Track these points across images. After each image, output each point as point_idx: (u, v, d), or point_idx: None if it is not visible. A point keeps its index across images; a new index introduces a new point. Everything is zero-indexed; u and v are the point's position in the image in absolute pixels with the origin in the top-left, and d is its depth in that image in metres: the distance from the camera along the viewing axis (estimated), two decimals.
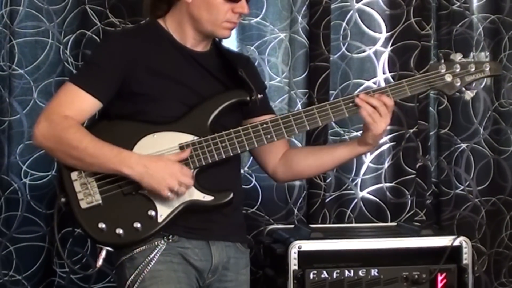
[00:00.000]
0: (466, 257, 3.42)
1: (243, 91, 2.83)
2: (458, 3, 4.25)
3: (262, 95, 2.91)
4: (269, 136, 2.78)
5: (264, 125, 2.78)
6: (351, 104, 2.82)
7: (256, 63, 3.99)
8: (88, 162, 2.66)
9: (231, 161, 2.82)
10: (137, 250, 2.72)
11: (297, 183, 4.10)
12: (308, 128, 2.84)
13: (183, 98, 2.77)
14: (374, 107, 2.79)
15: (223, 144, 2.74)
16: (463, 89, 2.91)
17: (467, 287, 3.40)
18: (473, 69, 2.87)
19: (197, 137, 2.74)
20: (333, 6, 4.13)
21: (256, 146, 2.79)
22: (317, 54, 4.07)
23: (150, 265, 2.71)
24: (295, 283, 3.32)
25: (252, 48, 4.08)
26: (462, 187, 4.29)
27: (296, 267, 3.33)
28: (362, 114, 2.80)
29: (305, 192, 4.11)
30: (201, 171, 2.74)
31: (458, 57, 2.88)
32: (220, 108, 2.78)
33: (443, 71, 2.87)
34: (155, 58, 2.78)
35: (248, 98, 2.82)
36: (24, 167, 3.87)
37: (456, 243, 3.42)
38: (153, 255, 2.71)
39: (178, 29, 2.84)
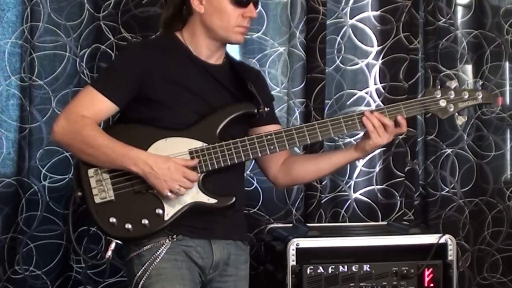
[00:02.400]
0: (451, 254, 3.43)
1: (251, 103, 2.83)
2: (444, 19, 4.26)
3: (268, 108, 2.91)
4: (272, 147, 2.78)
5: (269, 137, 2.78)
6: (350, 122, 2.81)
7: None
8: (100, 158, 2.68)
9: (236, 167, 2.82)
10: (145, 248, 2.73)
11: None
12: (309, 142, 2.83)
13: (195, 107, 2.77)
14: (384, 124, 2.80)
15: (230, 152, 2.74)
16: (456, 114, 2.89)
17: (452, 281, 3.41)
18: (466, 96, 2.86)
19: (206, 144, 2.74)
20: (328, 22, 4.13)
21: (260, 155, 2.80)
22: (313, 66, 4.07)
23: (156, 263, 2.71)
24: (293, 277, 3.32)
25: (254, 61, 4.08)
26: (448, 189, 4.29)
27: (294, 263, 3.34)
28: (367, 125, 2.79)
29: (302, 193, 4.11)
30: (207, 175, 2.74)
31: (453, 84, 2.87)
32: (229, 119, 2.78)
33: (438, 96, 2.86)
34: (171, 68, 2.78)
35: (255, 111, 2.82)
36: (43, 171, 3.86)
37: (442, 240, 3.43)
38: (158, 252, 2.72)
39: (193, 40, 2.84)
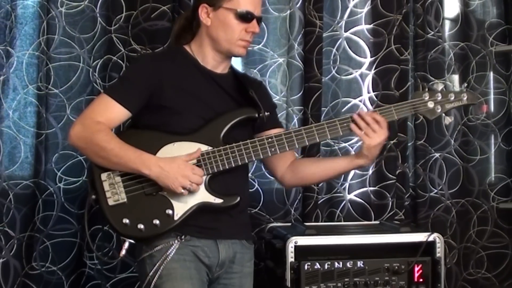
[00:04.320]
0: (439, 251, 3.42)
1: (252, 108, 2.84)
2: (432, 32, 4.27)
3: (269, 113, 2.91)
4: (273, 149, 2.79)
5: (269, 139, 2.80)
6: (345, 124, 2.83)
7: None
8: (113, 162, 2.69)
9: (240, 169, 2.83)
10: (156, 248, 2.74)
11: None
12: (307, 144, 2.84)
13: (201, 112, 2.79)
14: (367, 123, 2.80)
15: (233, 155, 2.75)
16: (443, 114, 2.92)
17: (440, 277, 3.40)
18: (452, 98, 2.88)
19: (211, 147, 2.75)
20: (325, 34, 4.13)
21: (262, 157, 2.81)
22: (311, 76, 4.08)
23: (166, 263, 2.72)
24: (292, 273, 3.32)
25: (255, 71, 4.09)
26: (436, 190, 4.30)
27: (292, 260, 3.34)
28: (353, 129, 2.81)
29: (300, 194, 4.11)
30: (213, 177, 2.75)
31: (440, 86, 2.88)
32: (231, 123, 2.80)
33: (426, 98, 2.87)
34: (180, 76, 2.80)
35: (256, 115, 2.84)
36: (59, 174, 3.87)
37: (431, 239, 3.43)
38: (168, 252, 2.72)
39: (200, 51, 2.87)
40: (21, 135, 3.85)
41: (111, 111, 2.74)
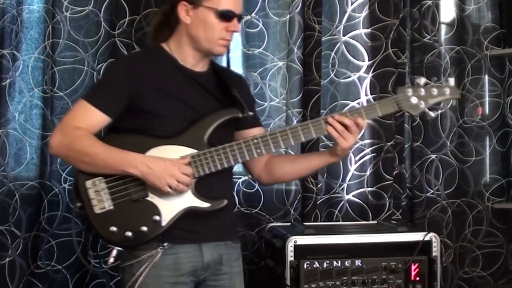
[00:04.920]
0: (435, 250, 3.44)
1: (236, 109, 2.75)
2: (429, 36, 4.28)
3: (253, 113, 2.85)
4: (259, 150, 2.71)
5: (255, 141, 2.71)
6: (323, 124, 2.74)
7: (258, 87, 4.07)
8: (99, 166, 2.59)
9: (225, 171, 2.73)
10: (138, 258, 2.65)
11: (293, 187, 4.11)
12: (293, 143, 2.75)
13: (184, 114, 2.70)
14: (345, 126, 2.71)
15: (219, 157, 2.67)
16: (426, 109, 2.81)
17: (436, 275, 3.42)
18: (435, 93, 2.80)
19: (196, 151, 2.66)
20: (323, 38, 4.13)
21: (248, 159, 2.73)
22: (310, 79, 4.08)
23: (143, 277, 2.63)
24: (292, 271, 3.33)
25: (255, 74, 4.08)
26: (432, 191, 4.31)
27: (292, 258, 3.34)
28: (331, 132, 2.72)
29: (300, 195, 4.11)
30: (199, 180, 2.66)
31: (422, 81, 2.80)
32: (216, 124, 2.71)
33: (409, 93, 2.79)
34: (160, 79, 2.70)
35: (240, 115, 2.75)
36: (63, 174, 3.85)
37: (427, 238, 3.44)
38: (144, 267, 2.64)
39: (179, 50, 2.77)
40: (26, 137, 3.85)
41: (91, 117, 2.64)
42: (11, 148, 3.83)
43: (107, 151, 2.60)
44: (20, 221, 3.81)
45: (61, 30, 3.88)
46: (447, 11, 4.38)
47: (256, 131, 2.86)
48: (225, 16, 2.72)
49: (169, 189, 2.60)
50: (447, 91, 2.83)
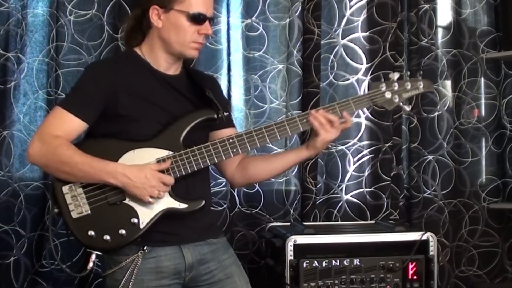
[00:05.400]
0: (432, 249, 3.44)
1: (210, 109, 2.72)
2: (426, 40, 4.28)
3: (227, 113, 2.81)
4: (235, 150, 2.67)
5: (231, 140, 2.67)
6: (304, 120, 2.70)
7: (258, 90, 4.07)
8: (78, 175, 2.56)
9: (201, 172, 2.70)
10: (119, 265, 2.63)
11: (293, 188, 4.11)
12: (269, 142, 2.73)
13: (158, 117, 2.67)
14: (329, 120, 2.68)
15: (195, 158, 2.64)
16: (401, 104, 2.78)
17: (433, 274, 3.41)
18: (409, 87, 2.77)
19: (172, 152, 2.63)
20: (322, 42, 4.14)
21: (224, 159, 2.69)
22: (309, 82, 4.08)
23: (123, 283, 2.62)
24: (291, 270, 3.34)
25: (256, 77, 4.09)
26: (429, 191, 4.31)
27: (292, 257, 3.35)
28: (314, 124, 2.69)
29: (299, 195, 4.11)
30: (176, 182, 2.62)
31: (396, 76, 2.77)
32: (190, 126, 2.68)
33: (383, 89, 2.75)
34: (134, 83, 2.66)
35: (215, 116, 2.72)
36: None
37: (424, 237, 3.44)
38: (128, 273, 2.62)
39: (152, 54, 2.73)
40: (31, 138, 3.84)
41: (68, 124, 2.60)
42: (16, 149, 3.84)
43: (87, 161, 2.56)
44: (24, 221, 3.82)
45: (65, 33, 3.89)
46: (444, 15, 4.38)
47: (229, 131, 2.83)
48: (197, 19, 2.68)
49: (150, 199, 2.58)
50: (421, 84, 2.81)
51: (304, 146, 2.82)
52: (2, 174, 3.80)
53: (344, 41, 4.21)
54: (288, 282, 3.34)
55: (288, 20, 4.14)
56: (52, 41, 3.87)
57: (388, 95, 2.77)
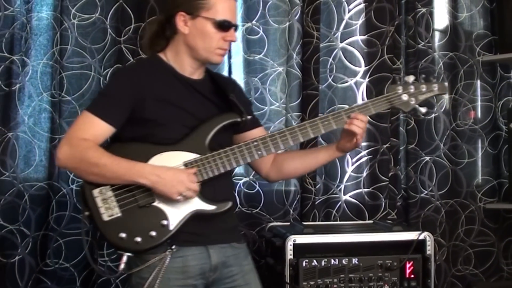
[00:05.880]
0: (429, 249, 3.44)
1: (234, 113, 2.75)
2: (423, 43, 4.29)
3: (250, 116, 2.83)
4: (259, 152, 2.71)
5: (255, 143, 2.71)
6: (326, 122, 2.76)
7: (259, 92, 4.08)
8: (108, 176, 2.57)
9: (226, 173, 2.71)
10: (146, 264, 2.63)
11: (292, 188, 4.11)
12: (292, 144, 2.76)
13: (184, 121, 2.69)
14: (362, 121, 2.75)
15: (221, 161, 2.66)
16: (417, 106, 2.83)
17: (430, 273, 3.42)
18: (424, 89, 2.82)
19: (198, 155, 2.66)
20: (321, 45, 4.15)
21: (249, 160, 2.72)
22: (308, 84, 4.09)
23: (150, 281, 2.62)
24: (291, 269, 3.34)
25: (256, 79, 4.09)
26: (426, 192, 4.31)
27: (291, 257, 3.35)
28: (353, 128, 2.74)
29: (299, 195, 4.12)
30: (203, 184, 2.64)
31: (411, 79, 2.83)
32: (216, 129, 2.70)
33: (400, 91, 2.81)
34: (160, 88, 2.68)
35: (239, 119, 2.75)
36: (71, 176, 3.86)
37: (421, 237, 3.45)
38: (156, 271, 2.62)
39: (177, 59, 2.75)
40: (36, 139, 3.87)
41: (96, 128, 2.61)
42: (21, 151, 3.85)
43: (116, 162, 2.58)
44: (29, 221, 3.82)
45: (69, 36, 3.89)
46: (441, 19, 4.39)
47: (257, 132, 2.88)
48: (223, 26, 2.71)
49: (179, 197, 2.59)
50: (435, 87, 2.85)
51: (334, 147, 2.89)
52: (7, 175, 3.80)
53: (343, 44, 4.22)
54: (288, 281, 3.34)
55: (288, 23, 4.15)
56: (56, 44, 3.87)
57: (405, 97, 2.83)
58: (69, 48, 3.90)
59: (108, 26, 3.94)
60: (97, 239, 3.66)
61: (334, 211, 4.20)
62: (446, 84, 2.91)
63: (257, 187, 4.09)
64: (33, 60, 3.87)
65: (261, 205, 4.10)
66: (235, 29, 2.77)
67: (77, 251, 3.87)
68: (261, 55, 4.13)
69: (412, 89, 2.83)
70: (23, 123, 3.85)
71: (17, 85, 3.83)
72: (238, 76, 4.05)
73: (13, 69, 3.82)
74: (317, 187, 4.13)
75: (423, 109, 2.86)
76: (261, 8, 4.10)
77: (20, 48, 3.84)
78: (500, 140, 4.45)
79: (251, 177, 4.04)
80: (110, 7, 3.94)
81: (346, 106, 4.10)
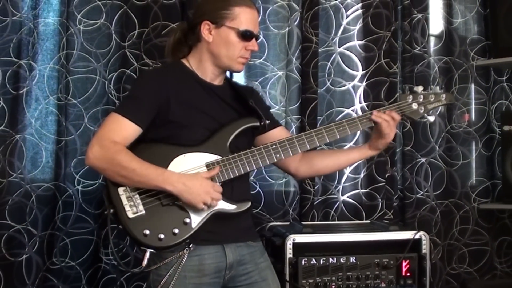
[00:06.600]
0: (425, 248, 3.44)
1: (254, 118, 2.81)
2: (419, 48, 4.30)
3: (269, 121, 2.88)
4: (278, 155, 2.75)
5: (274, 146, 2.76)
6: (341, 128, 2.83)
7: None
8: (135, 180, 2.60)
9: (244, 175, 2.77)
10: (164, 261, 2.66)
11: (292, 189, 4.13)
12: (308, 148, 2.80)
13: (206, 124, 2.74)
14: (393, 118, 2.84)
15: (242, 162, 2.71)
16: (425, 114, 2.92)
17: (425, 271, 3.42)
18: (432, 99, 2.90)
19: (220, 157, 2.70)
20: (320, 49, 4.17)
21: (268, 163, 2.77)
22: (307, 88, 4.11)
23: (167, 278, 2.65)
24: (290, 268, 3.34)
25: (256, 83, 4.10)
26: (422, 192, 4.32)
27: (291, 256, 3.36)
28: (382, 125, 2.83)
29: (298, 196, 4.13)
30: (223, 184, 2.69)
31: (420, 89, 2.90)
32: (236, 132, 2.75)
33: (410, 100, 2.89)
34: (183, 92, 2.73)
35: (258, 124, 2.81)
36: (77, 177, 3.88)
37: (417, 236, 3.45)
38: (173, 268, 2.66)
39: (200, 66, 2.80)
40: (42, 141, 3.87)
41: (125, 130, 2.65)
42: (28, 152, 3.85)
43: (144, 167, 2.60)
44: (36, 221, 3.82)
45: (75, 41, 3.90)
46: (436, 24, 4.40)
47: (277, 131, 2.96)
48: (246, 36, 2.77)
49: (203, 206, 2.62)
50: (443, 97, 2.92)
51: (367, 146, 2.97)
52: (14, 176, 3.80)
53: (341, 49, 4.23)
54: (288, 279, 3.34)
55: (287, 29, 4.16)
56: (62, 49, 3.88)
57: (414, 106, 2.91)
58: (75, 53, 3.91)
59: (112, 32, 3.95)
60: (102, 239, 3.67)
61: (332, 211, 4.20)
62: (453, 94, 2.96)
63: (258, 187, 4.10)
64: (40, 65, 3.87)
65: (261, 205, 4.11)
66: (257, 39, 2.83)
67: (83, 250, 3.89)
68: (261, 60, 4.14)
69: (421, 98, 2.91)
70: (30, 126, 3.85)
71: (25, 89, 3.83)
72: (239, 80, 4.02)
73: (20, 73, 3.82)
74: (316, 187, 4.13)
75: (431, 118, 2.94)
76: (261, 14, 4.11)
77: (27, 53, 3.84)
78: (494, 142, 4.46)
79: (251, 177, 4.03)
80: (114, 13, 3.95)
81: (344, 109, 4.19)
